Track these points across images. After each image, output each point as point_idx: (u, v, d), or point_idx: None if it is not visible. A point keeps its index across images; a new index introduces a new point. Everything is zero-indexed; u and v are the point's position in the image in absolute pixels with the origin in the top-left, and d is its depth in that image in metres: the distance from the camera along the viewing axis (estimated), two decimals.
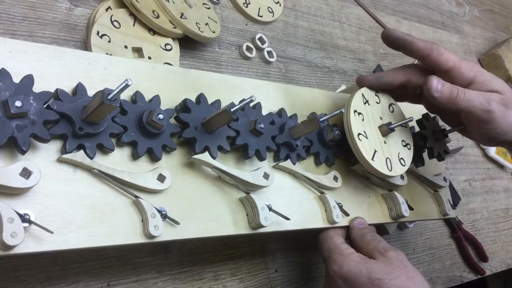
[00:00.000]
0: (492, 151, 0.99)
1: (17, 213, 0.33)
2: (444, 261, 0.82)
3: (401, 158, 0.55)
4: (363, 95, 0.54)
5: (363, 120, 0.53)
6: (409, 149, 0.57)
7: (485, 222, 0.92)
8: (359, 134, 0.51)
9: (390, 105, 0.57)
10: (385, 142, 0.54)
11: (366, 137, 0.52)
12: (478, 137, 0.55)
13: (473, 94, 0.50)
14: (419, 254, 0.79)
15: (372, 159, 0.51)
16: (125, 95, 0.42)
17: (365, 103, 0.54)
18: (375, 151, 0.52)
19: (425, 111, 0.64)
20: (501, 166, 1.03)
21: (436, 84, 0.50)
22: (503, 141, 0.53)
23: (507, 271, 0.92)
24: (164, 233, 0.40)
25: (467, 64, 0.52)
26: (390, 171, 0.53)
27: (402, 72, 0.55)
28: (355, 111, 0.52)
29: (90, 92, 0.39)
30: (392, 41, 0.54)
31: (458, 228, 0.85)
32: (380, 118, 0.55)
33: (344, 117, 0.52)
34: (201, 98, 0.45)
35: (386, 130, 0.54)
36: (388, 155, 0.53)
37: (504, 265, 0.91)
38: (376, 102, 0.55)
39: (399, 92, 0.59)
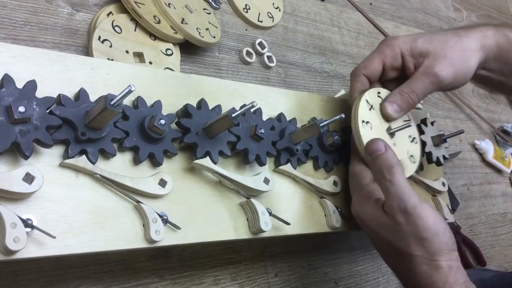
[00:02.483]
0: (490, 155, 1.00)
1: (20, 218, 0.33)
2: None
3: (411, 156, 0.55)
4: (367, 101, 0.53)
5: (371, 129, 0.52)
6: (416, 143, 0.57)
7: (483, 227, 0.93)
8: None
9: None
10: (394, 144, 0.54)
11: None
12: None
13: (420, 86, 0.52)
14: None
15: None
16: (127, 100, 0.42)
17: (370, 109, 0.53)
18: None
19: (423, 116, 0.65)
20: (498, 171, 1.03)
21: (392, 110, 0.53)
22: (469, 74, 0.55)
23: None
24: (165, 238, 0.40)
25: (386, 46, 0.54)
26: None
27: (374, 59, 0.55)
28: (363, 121, 0.52)
29: (92, 98, 0.39)
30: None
31: (457, 233, 0.85)
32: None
33: (353, 130, 0.51)
34: (202, 103, 0.46)
35: (391, 133, 0.54)
36: (400, 157, 0.53)
37: (502, 269, 0.91)
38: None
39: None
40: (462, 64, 0.53)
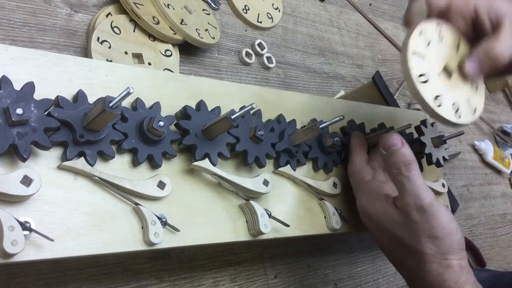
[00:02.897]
0: (490, 156, 1.00)
1: (18, 221, 0.33)
2: None
3: (468, 101, 0.48)
4: (421, 32, 0.45)
5: (423, 59, 0.45)
6: (477, 89, 0.49)
7: (482, 228, 0.93)
8: (420, 75, 0.44)
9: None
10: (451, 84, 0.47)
11: (428, 81, 0.45)
12: None
13: (504, 45, 0.45)
14: None
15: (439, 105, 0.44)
16: (126, 102, 0.42)
17: (428, 44, 0.46)
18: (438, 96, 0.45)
19: (423, 117, 0.65)
20: (498, 172, 1.03)
21: (472, 69, 0.46)
22: None
23: None
24: (164, 240, 0.40)
25: None
26: (460, 118, 0.46)
27: None
28: (414, 52, 0.44)
29: (91, 99, 0.39)
30: (412, 21, 0.47)
31: None
32: (443, 60, 0.47)
33: (401, 57, 0.45)
34: (201, 105, 0.45)
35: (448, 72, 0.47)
36: (455, 100, 0.46)
37: (501, 270, 0.91)
38: (439, 40, 0.47)
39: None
40: None
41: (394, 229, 0.46)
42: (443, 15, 0.49)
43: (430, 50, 0.46)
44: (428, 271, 0.44)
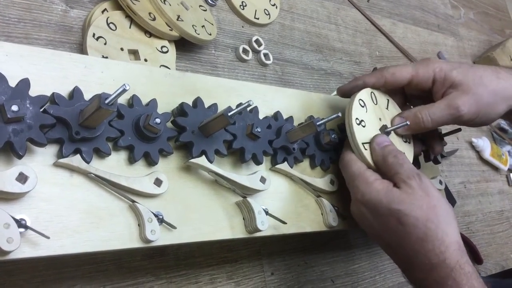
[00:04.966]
0: (487, 153, 1.00)
1: (13, 218, 0.33)
2: None
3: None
4: (361, 100, 0.53)
5: (364, 127, 0.52)
6: (409, 143, 0.57)
7: (480, 225, 0.93)
8: (363, 143, 0.51)
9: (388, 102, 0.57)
10: None
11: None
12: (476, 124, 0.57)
13: (437, 110, 0.53)
14: None
15: None
16: (122, 99, 0.42)
17: (363, 107, 0.53)
18: None
19: None
20: (495, 169, 1.03)
21: (399, 120, 0.55)
22: (494, 118, 0.55)
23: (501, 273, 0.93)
24: (160, 237, 0.40)
25: (422, 65, 0.54)
26: None
27: (404, 71, 0.55)
28: (357, 118, 0.52)
29: (87, 96, 0.39)
30: (348, 93, 0.56)
31: None
32: (380, 119, 0.55)
33: (347, 128, 0.52)
34: (198, 101, 0.45)
35: (387, 133, 0.54)
36: None
37: (498, 267, 0.91)
38: (374, 104, 0.55)
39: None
40: (488, 106, 0.53)
41: (396, 205, 0.46)
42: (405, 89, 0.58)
43: (368, 115, 0.54)
44: (430, 249, 0.45)
